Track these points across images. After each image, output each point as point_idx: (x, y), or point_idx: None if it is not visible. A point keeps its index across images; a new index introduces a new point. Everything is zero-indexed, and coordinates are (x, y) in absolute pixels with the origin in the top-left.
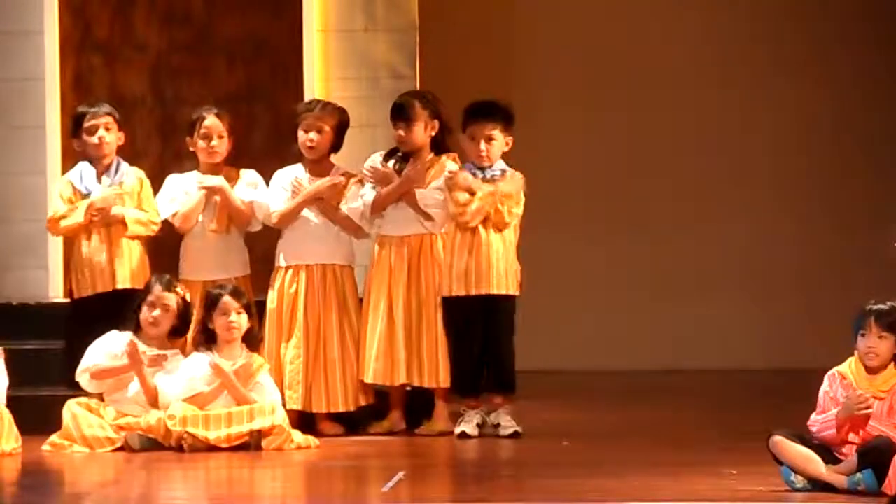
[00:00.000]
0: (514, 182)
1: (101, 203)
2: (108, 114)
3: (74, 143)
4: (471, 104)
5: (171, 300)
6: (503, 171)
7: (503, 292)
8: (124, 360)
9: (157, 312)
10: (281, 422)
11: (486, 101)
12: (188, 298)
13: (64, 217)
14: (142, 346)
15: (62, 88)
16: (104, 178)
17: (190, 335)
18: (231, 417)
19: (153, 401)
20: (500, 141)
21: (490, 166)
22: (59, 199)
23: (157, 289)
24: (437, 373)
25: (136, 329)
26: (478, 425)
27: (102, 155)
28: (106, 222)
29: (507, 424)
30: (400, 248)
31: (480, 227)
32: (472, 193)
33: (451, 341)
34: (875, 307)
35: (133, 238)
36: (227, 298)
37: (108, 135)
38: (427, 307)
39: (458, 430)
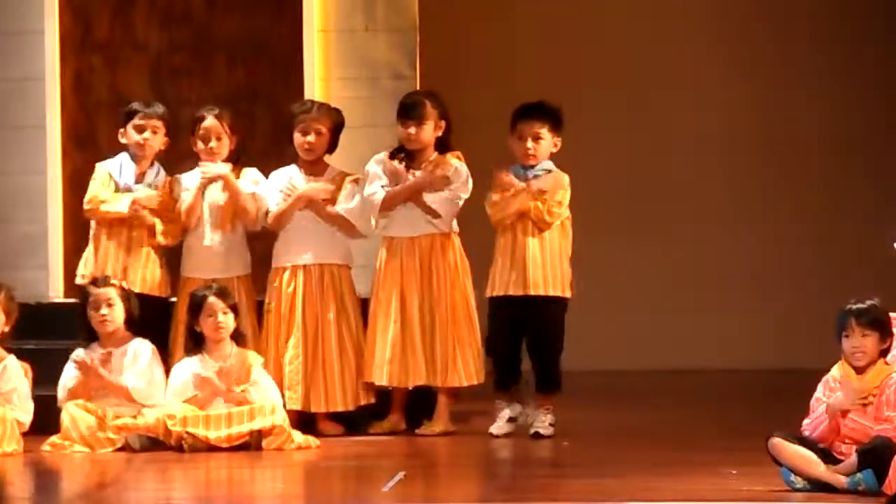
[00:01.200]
0: (548, 180)
1: (144, 202)
2: (160, 117)
3: (120, 133)
4: (520, 105)
5: (112, 293)
6: (548, 171)
7: (542, 293)
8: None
9: (103, 310)
10: (281, 422)
11: (536, 101)
12: (126, 286)
13: (105, 202)
14: (95, 351)
15: (62, 88)
16: (146, 177)
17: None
18: (231, 417)
19: (128, 399)
20: (547, 140)
21: (535, 165)
22: (101, 185)
23: (93, 289)
24: (449, 372)
25: (90, 338)
26: (510, 419)
27: (143, 156)
28: (136, 223)
29: (538, 425)
30: (411, 250)
31: (521, 228)
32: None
33: (489, 340)
34: (854, 307)
35: (156, 246)
36: (212, 299)
37: (153, 137)
38: (439, 307)
39: (490, 430)
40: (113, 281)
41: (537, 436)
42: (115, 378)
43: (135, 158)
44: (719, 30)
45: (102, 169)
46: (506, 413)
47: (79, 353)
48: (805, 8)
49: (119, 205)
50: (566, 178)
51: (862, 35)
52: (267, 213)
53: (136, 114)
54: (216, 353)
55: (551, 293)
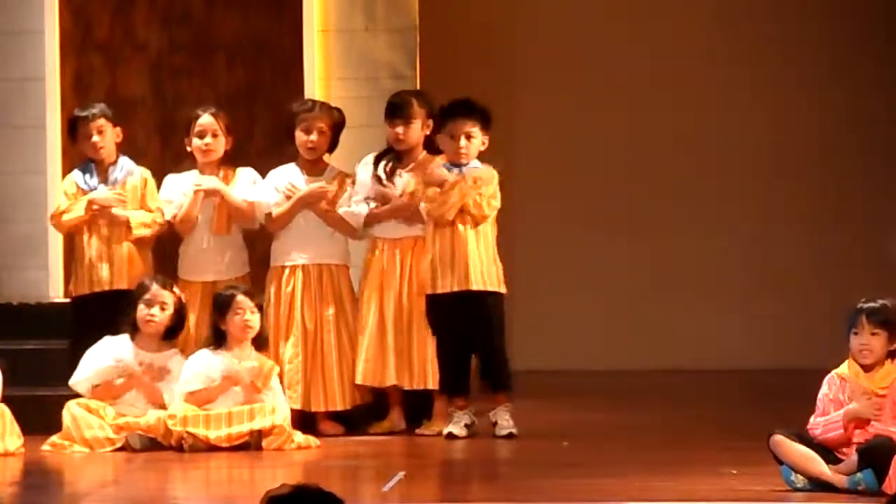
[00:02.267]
0: (482, 171)
1: (101, 201)
2: (101, 115)
3: (74, 145)
4: (448, 103)
5: (169, 298)
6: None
7: (482, 289)
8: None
9: (154, 310)
10: (281, 422)
11: (463, 99)
12: (184, 299)
13: (66, 212)
14: (138, 354)
15: (62, 88)
16: (109, 175)
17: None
18: (231, 417)
19: (160, 404)
20: (478, 139)
21: (467, 164)
22: (63, 195)
23: (155, 287)
24: (426, 375)
25: (133, 329)
26: (466, 426)
27: (100, 158)
28: (109, 222)
29: (504, 424)
30: (392, 251)
31: (459, 224)
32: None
33: (436, 340)
34: (866, 305)
35: (137, 240)
36: (241, 297)
37: (101, 139)
38: (418, 309)
39: (445, 431)
40: (175, 289)
41: (511, 436)
42: (158, 385)
43: (95, 162)
44: (719, 30)
45: (69, 180)
46: (464, 418)
47: (121, 358)
48: (806, 8)
49: (76, 210)
50: (496, 174)
51: (862, 35)
52: (268, 215)
53: (78, 121)
54: (237, 352)
55: (489, 289)
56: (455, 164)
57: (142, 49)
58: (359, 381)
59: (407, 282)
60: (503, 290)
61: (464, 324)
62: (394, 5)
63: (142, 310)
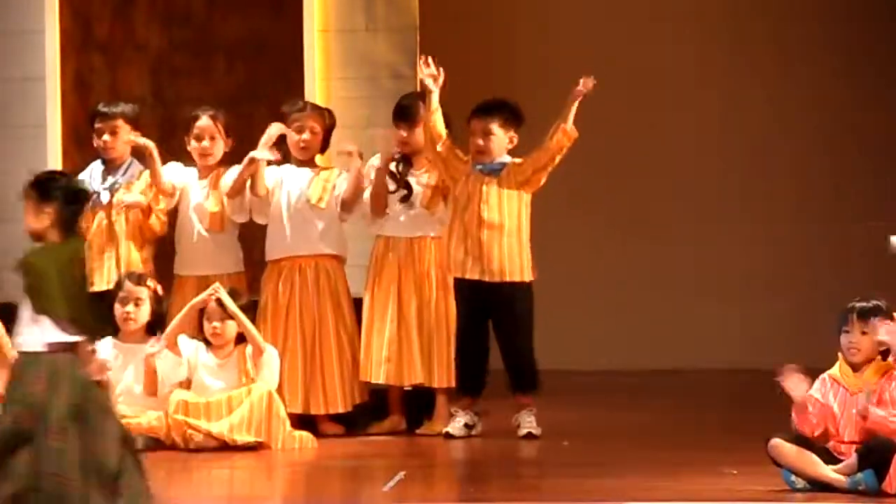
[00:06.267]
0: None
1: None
2: (120, 115)
3: (93, 138)
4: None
5: (143, 293)
6: (503, 165)
7: (504, 280)
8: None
9: (129, 307)
10: (274, 390)
11: (490, 99)
12: (160, 291)
13: None
14: (117, 346)
15: (62, 88)
16: (109, 177)
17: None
18: (231, 402)
19: (151, 384)
20: (499, 136)
21: (490, 161)
22: None
23: (128, 284)
24: (447, 373)
25: (115, 331)
26: (466, 425)
27: (109, 158)
28: (108, 227)
29: (526, 425)
30: (409, 250)
31: (484, 209)
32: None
33: (456, 333)
34: (858, 304)
35: (141, 236)
36: (212, 305)
37: (112, 139)
38: (437, 308)
39: (443, 431)
40: (149, 282)
41: (530, 436)
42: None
43: (103, 161)
44: (720, 29)
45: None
46: (465, 418)
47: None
48: (806, 8)
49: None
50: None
51: (861, 35)
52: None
53: (97, 116)
54: (219, 352)
55: (511, 279)
56: (478, 161)
57: (142, 49)
58: (381, 381)
59: (424, 281)
60: (528, 278)
61: (481, 320)
62: (394, 5)
63: (118, 309)
